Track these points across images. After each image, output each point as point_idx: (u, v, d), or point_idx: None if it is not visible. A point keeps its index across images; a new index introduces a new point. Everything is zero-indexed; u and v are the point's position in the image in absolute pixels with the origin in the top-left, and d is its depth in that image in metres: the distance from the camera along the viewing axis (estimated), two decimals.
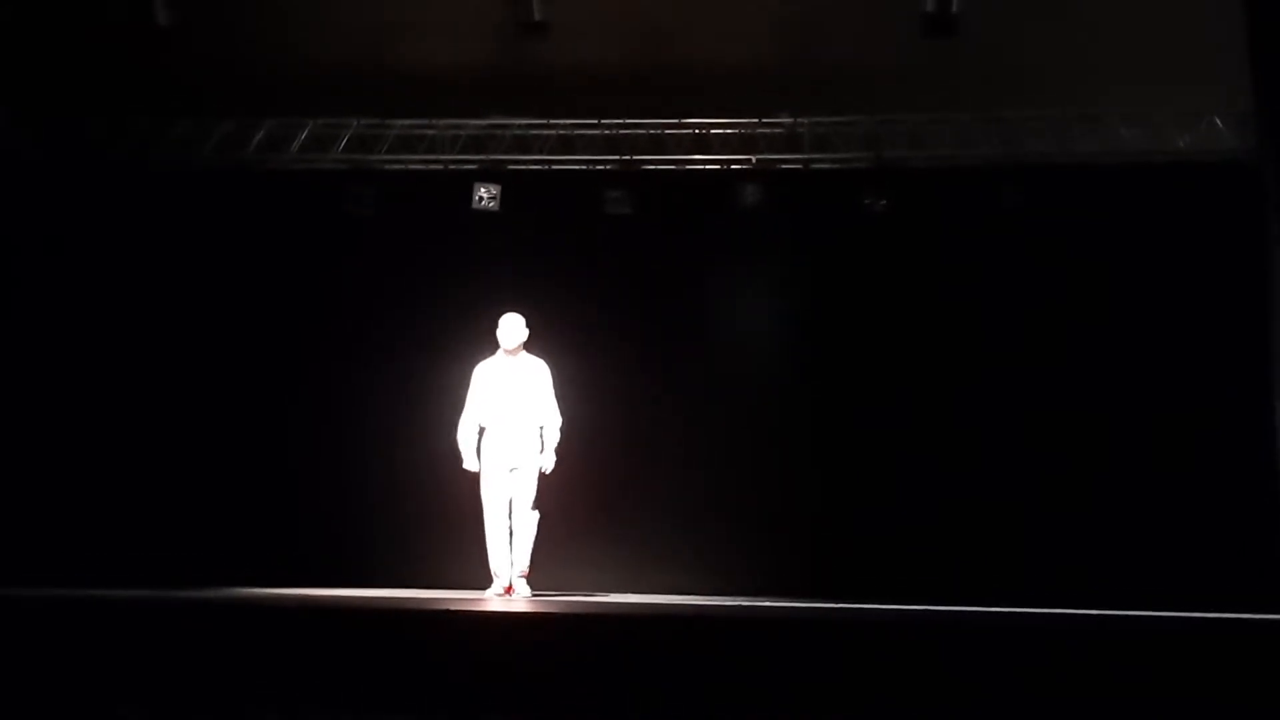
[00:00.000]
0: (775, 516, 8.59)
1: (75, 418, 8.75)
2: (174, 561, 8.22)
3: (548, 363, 7.52)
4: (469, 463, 7.39)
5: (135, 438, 8.75)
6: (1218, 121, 8.45)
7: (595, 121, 8.92)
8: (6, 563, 7.66)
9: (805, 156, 8.92)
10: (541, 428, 7.43)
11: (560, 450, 7.39)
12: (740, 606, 6.90)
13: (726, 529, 8.56)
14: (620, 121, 8.90)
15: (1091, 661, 4.59)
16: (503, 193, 8.74)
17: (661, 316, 8.96)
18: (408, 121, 9.00)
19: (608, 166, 9.01)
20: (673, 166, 9.01)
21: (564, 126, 8.96)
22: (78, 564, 7.88)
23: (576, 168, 9.04)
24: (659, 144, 8.98)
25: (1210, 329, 8.32)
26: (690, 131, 8.95)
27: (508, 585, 7.30)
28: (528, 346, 7.50)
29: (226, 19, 8.09)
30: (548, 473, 7.38)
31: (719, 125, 8.91)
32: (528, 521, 7.33)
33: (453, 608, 5.98)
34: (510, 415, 7.38)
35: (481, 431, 7.42)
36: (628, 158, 8.98)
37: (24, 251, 8.91)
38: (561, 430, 7.42)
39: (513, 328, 7.44)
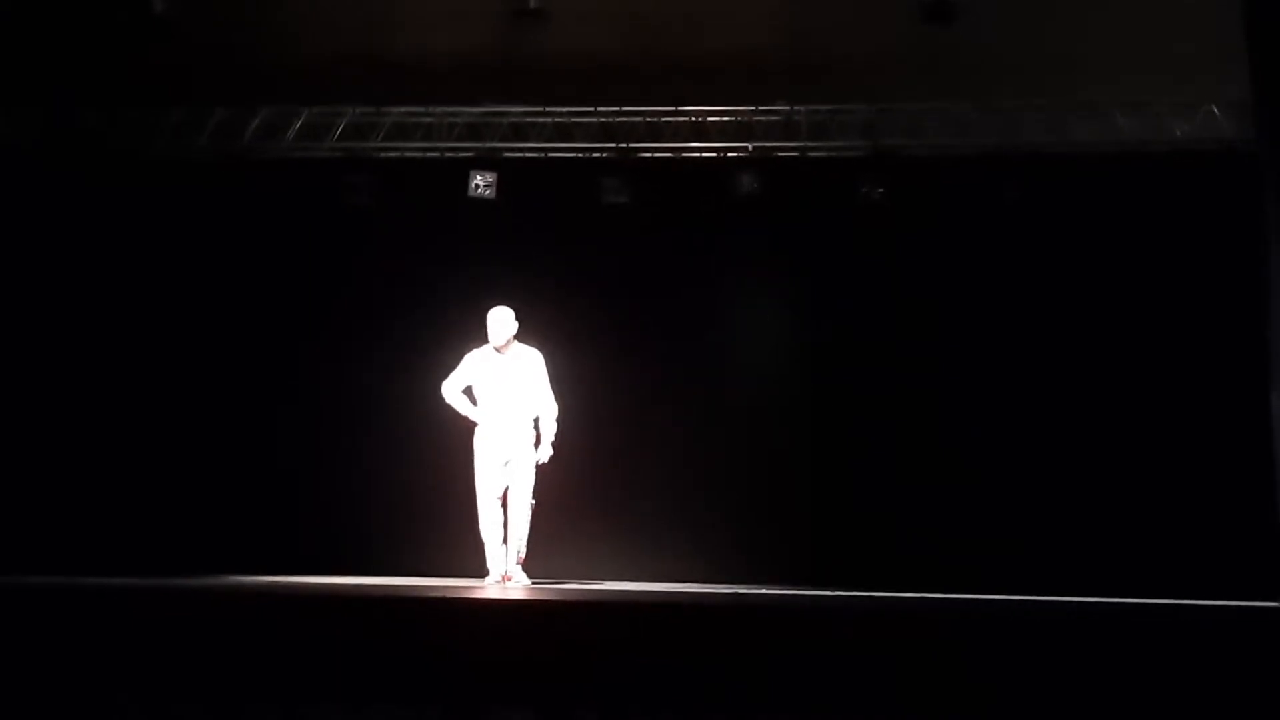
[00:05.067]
0: (771, 504, 8.60)
1: (73, 407, 8.74)
2: (171, 550, 8.24)
3: (542, 351, 7.51)
4: (472, 413, 7.37)
5: (132, 427, 8.74)
6: (1215, 110, 8.45)
7: (592, 109, 8.90)
8: (4, 551, 7.66)
9: (802, 144, 8.91)
10: (536, 419, 7.41)
11: (556, 439, 7.38)
12: (736, 594, 6.90)
13: (723, 517, 8.58)
14: (617, 109, 8.88)
15: (1089, 649, 4.59)
16: (499, 180, 8.72)
17: (658, 304, 8.96)
18: (403, 109, 8.98)
19: (604, 154, 8.99)
20: (669, 154, 9.00)
21: (560, 114, 8.94)
22: (76, 552, 7.89)
23: (573, 155, 9.02)
24: (656, 132, 8.96)
25: (1207, 316, 8.33)
26: (687, 119, 8.93)
27: (505, 573, 7.31)
28: (521, 335, 7.48)
29: (221, 7, 8.06)
30: (543, 464, 7.37)
31: (716, 113, 8.90)
32: (524, 510, 7.32)
33: (450, 595, 5.98)
34: (504, 409, 7.35)
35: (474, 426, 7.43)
36: (624, 145, 8.97)
37: (19, 241, 8.88)
38: (558, 420, 7.41)
39: (500, 324, 7.37)
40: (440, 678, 4.65)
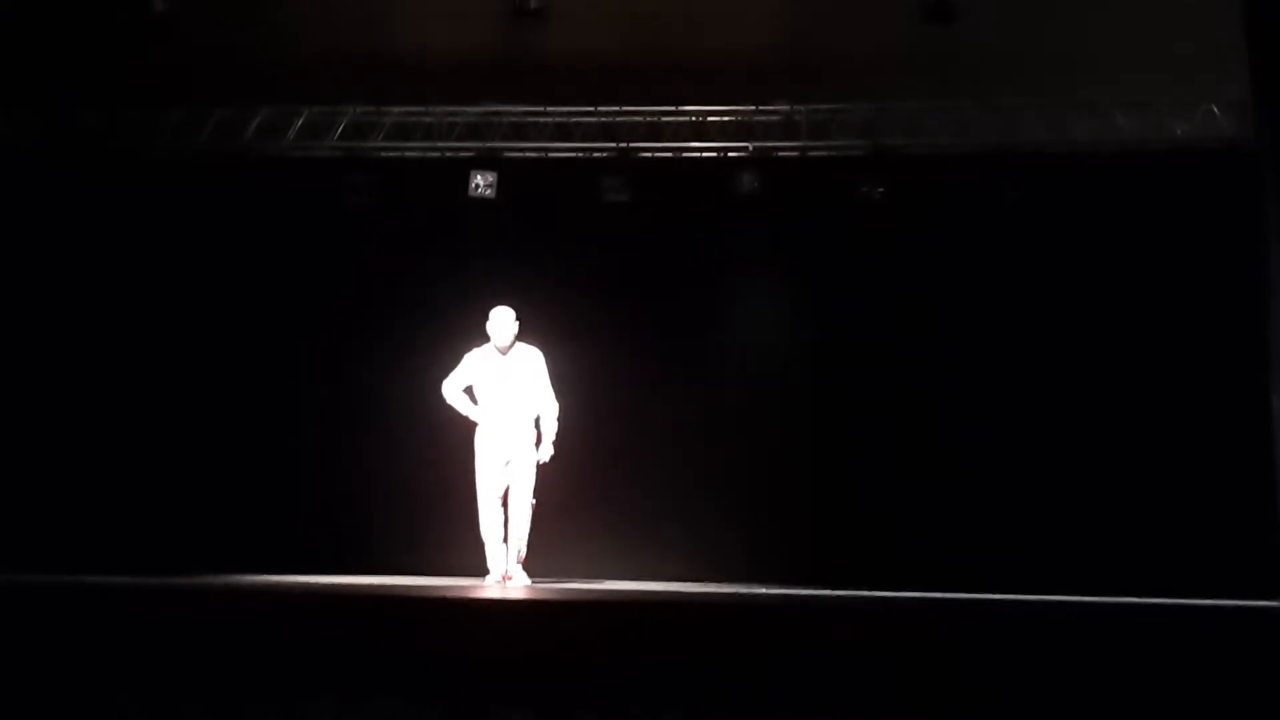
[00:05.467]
0: (772, 504, 8.60)
1: (74, 406, 8.74)
2: (171, 549, 8.24)
3: (543, 350, 7.51)
4: (472, 413, 7.38)
5: (134, 426, 8.74)
6: (1215, 109, 8.45)
7: (592, 109, 8.90)
8: (6, 549, 7.66)
9: (802, 144, 8.91)
10: (537, 419, 7.41)
11: (557, 438, 7.39)
12: (736, 593, 6.91)
13: (723, 516, 8.57)
14: (617, 109, 8.88)
15: (1089, 649, 4.59)
16: (499, 180, 8.72)
17: (658, 304, 8.96)
18: (404, 108, 8.98)
19: (605, 154, 8.99)
20: (670, 154, 9.00)
21: (561, 114, 8.94)
22: (78, 550, 7.88)
23: (573, 155, 9.02)
24: (656, 131, 8.96)
25: (1207, 316, 8.33)
26: (687, 119, 8.93)
27: (505, 573, 7.31)
28: (521, 335, 7.48)
29: (222, 6, 8.07)
30: (544, 463, 7.38)
31: (716, 112, 8.89)
32: (524, 510, 7.33)
33: (450, 595, 5.98)
34: (505, 409, 7.36)
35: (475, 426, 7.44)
36: (625, 145, 8.97)
37: (20, 241, 8.87)
38: (558, 419, 7.41)
39: (504, 324, 7.36)
40: (440, 677, 4.65)
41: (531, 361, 7.44)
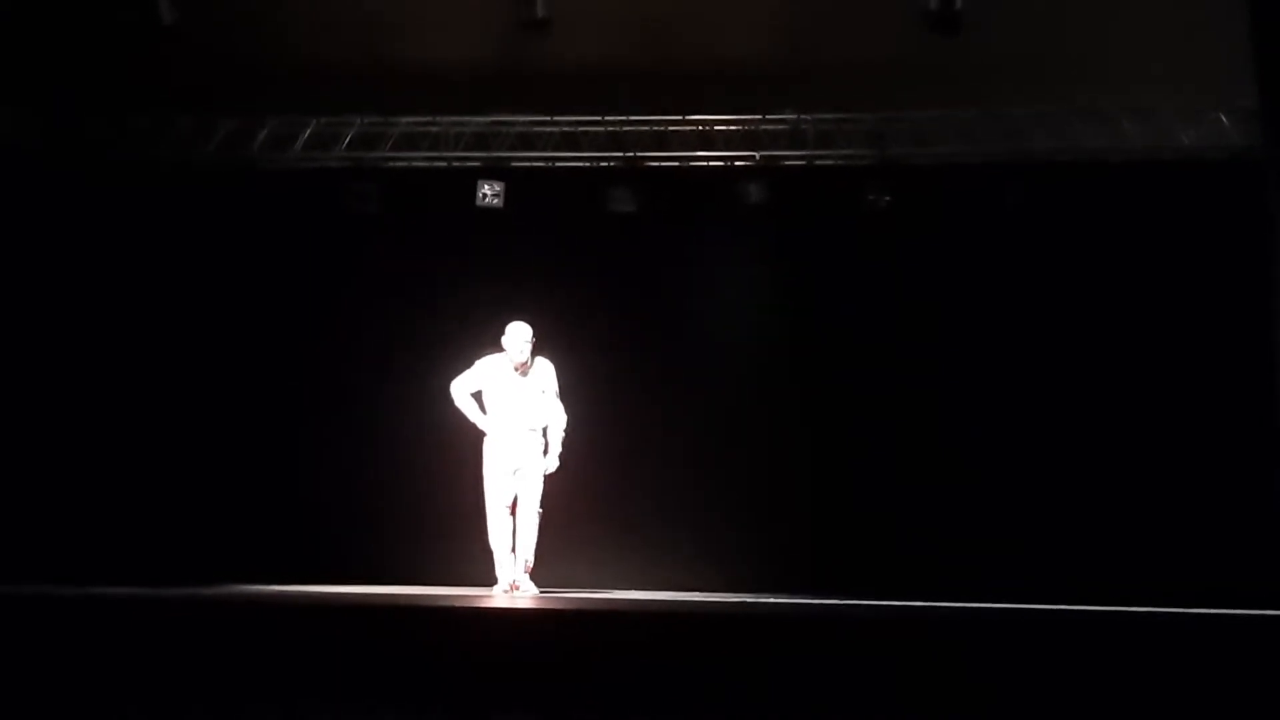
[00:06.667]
0: (779, 513, 8.60)
1: (79, 415, 8.76)
2: (178, 559, 8.26)
3: (551, 360, 7.52)
4: (479, 421, 7.38)
5: (139, 435, 8.76)
6: (1222, 118, 8.44)
7: (599, 118, 8.92)
8: (8, 560, 7.68)
9: (809, 153, 8.92)
10: (545, 428, 7.42)
11: (564, 448, 7.39)
12: (743, 603, 6.91)
13: (730, 526, 8.57)
14: (624, 118, 8.90)
15: (1093, 658, 4.59)
16: (506, 190, 8.74)
17: (664, 313, 8.97)
18: (411, 119, 9.00)
19: (611, 164, 9.01)
20: (676, 163, 9.01)
21: (568, 123, 8.96)
22: (81, 561, 7.90)
23: (580, 165, 9.04)
24: (662, 141, 8.98)
25: (1214, 325, 8.32)
26: (694, 128, 8.94)
27: (513, 582, 7.32)
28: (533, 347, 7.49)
29: (230, 16, 8.09)
30: (550, 473, 7.38)
31: (722, 122, 8.90)
32: (532, 519, 7.34)
33: (458, 604, 5.99)
34: (515, 418, 7.36)
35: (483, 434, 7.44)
36: (631, 155, 8.98)
37: (26, 248, 8.90)
38: (565, 430, 7.42)
39: (523, 340, 7.30)
40: (448, 686, 4.66)
41: (542, 373, 7.44)
